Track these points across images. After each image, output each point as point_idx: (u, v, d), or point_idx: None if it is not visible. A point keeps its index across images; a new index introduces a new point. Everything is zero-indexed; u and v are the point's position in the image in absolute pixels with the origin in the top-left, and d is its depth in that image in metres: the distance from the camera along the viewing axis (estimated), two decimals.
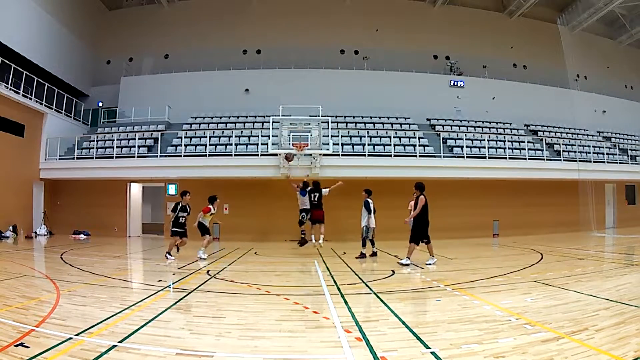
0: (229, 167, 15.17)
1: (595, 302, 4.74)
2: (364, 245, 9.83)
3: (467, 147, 16.64)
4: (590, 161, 17.41)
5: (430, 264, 8.33)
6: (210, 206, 9.80)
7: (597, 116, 22.73)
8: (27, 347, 3.19)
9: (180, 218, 9.46)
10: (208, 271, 7.66)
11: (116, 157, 15.96)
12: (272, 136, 14.80)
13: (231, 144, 15.97)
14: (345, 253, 10.95)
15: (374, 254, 9.95)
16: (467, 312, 4.46)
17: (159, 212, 17.88)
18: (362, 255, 9.74)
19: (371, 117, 19.78)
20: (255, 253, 11.35)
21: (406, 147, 16.63)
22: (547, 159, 17.02)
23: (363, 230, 9.80)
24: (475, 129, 19.44)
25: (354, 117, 19.67)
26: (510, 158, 16.59)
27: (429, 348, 3.26)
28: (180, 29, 22.19)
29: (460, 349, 3.25)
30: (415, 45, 22.36)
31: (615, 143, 20.38)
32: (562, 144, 18.01)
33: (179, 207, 9.40)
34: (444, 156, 16.09)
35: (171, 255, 9.33)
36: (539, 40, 23.32)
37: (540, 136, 19.52)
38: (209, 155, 15.66)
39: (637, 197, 20.10)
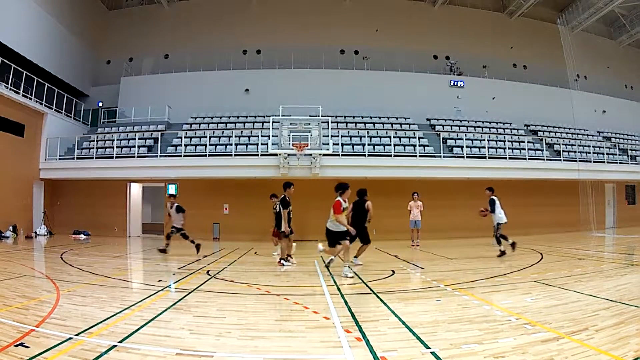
0: (229, 167, 15.18)
1: (595, 302, 4.74)
2: (499, 242, 9.51)
3: (467, 147, 16.64)
4: (590, 161, 17.41)
5: (355, 264, 8.05)
6: (340, 198, 7.10)
7: (597, 116, 22.74)
8: (27, 347, 3.19)
9: (290, 213, 8.35)
10: (208, 271, 7.66)
11: (116, 157, 15.96)
12: (272, 136, 14.80)
13: (231, 144, 15.97)
14: None
15: (512, 245, 9.49)
16: (467, 312, 4.46)
17: (159, 212, 17.88)
18: (503, 253, 9.35)
19: (371, 117, 19.79)
20: (255, 253, 11.35)
21: (406, 147, 16.63)
22: (547, 159, 17.02)
23: (496, 227, 9.54)
24: (475, 129, 19.45)
25: (354, 117, 19.67)
26: (510, 158, 16.60)
27: (429, 348, 3.26)
28: (180, 29, 22.20)
29: (460, 349, 3.25)
30: (415, 45, 22.36)
31: (615, 143, 20.39)
32: (562, 144, 18.02)
33: (288, 201, 8.12)
34: (444, 156, 16.09)
35: (288, 261, 8.30)
36: (539, 40, 23.33)
37: (540, 136, 19.53)
38: (209, 155, 15.66)
39: (637, 197, 20.10)
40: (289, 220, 8.38)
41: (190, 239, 10.33)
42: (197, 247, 10.22)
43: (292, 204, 8.57)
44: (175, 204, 10.42)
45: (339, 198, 7.10)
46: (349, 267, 7.05)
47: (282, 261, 8.40)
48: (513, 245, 9.58)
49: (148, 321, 4.05)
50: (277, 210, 9.04)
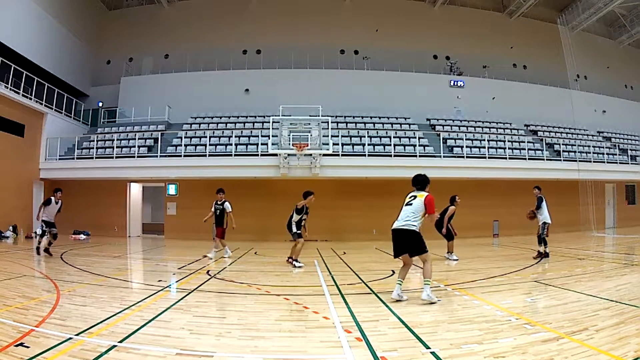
0: (229, 167, 15.18)
1: (595, 302, 4.74)
2: (545, 244, 8.97)
3: (467, 147, 16.64)
4: (590, 161, 17.41)
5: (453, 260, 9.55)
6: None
7: (597, 116, 22.75)
8: (27, 347, 3.19)
9: (303, 221, 8.71)
10: (208, 271, 7.66)
11: (116, 157, 15.96)
12: (272, 136, 14.79)
13: (231, 144, 15.98)
14: (345, 253, 10.96)
15: (546, 254, 8.92)
16: (467, 312, 4.46)
17: (159, 212, 17.87)
18: (545, 255, 8.86)
19: (371, 117, 19.78)
20: (255, 253, 11.35)
21: (406, 147, 16.63)
22: (547, 159, 17.02)
23: (542, 227, 9.04)
24: (475, 129, 19.45)
25: (354, 117, 19.67)
26: (510, 158, 16.60)
27: (429, 348, 3.26)
28: (180, 29, 22.19)
29: (460, 349, 3.25)
30: (415, 45, 22.36)
31: (615, 143, 20.38)
32: (562, 144, 18.02)
33: (305, 209, 8.60)
34: (444, 156, 16.10)
35: (299, 262, 8.49)
36: (539, 40, 23.33)
37: (540, 136, 19.52)
38: (209, 155, 15.67)
39: (637, 197, 20.10)
40: (300, 225, 8.58)
41: (49, 231, 10.01)
42: (42, 233, 10.18)
43: (297, 207, 8.50)
44: (61, 202, 10.05)
45: (428, 193, 5.63)
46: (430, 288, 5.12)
47: (295, 262, 8.45)
48: (543, 254, 8.98)
49: (148, 321, 4.05)
50: (222, 208, 10.16)
